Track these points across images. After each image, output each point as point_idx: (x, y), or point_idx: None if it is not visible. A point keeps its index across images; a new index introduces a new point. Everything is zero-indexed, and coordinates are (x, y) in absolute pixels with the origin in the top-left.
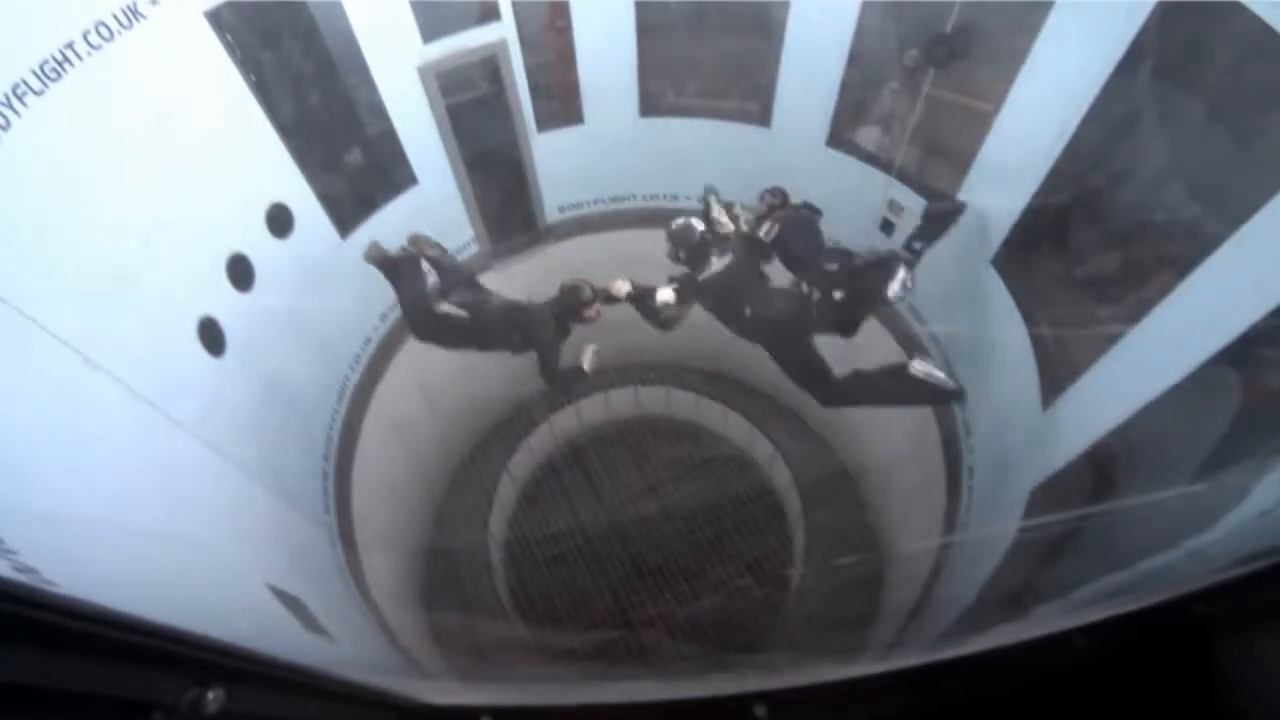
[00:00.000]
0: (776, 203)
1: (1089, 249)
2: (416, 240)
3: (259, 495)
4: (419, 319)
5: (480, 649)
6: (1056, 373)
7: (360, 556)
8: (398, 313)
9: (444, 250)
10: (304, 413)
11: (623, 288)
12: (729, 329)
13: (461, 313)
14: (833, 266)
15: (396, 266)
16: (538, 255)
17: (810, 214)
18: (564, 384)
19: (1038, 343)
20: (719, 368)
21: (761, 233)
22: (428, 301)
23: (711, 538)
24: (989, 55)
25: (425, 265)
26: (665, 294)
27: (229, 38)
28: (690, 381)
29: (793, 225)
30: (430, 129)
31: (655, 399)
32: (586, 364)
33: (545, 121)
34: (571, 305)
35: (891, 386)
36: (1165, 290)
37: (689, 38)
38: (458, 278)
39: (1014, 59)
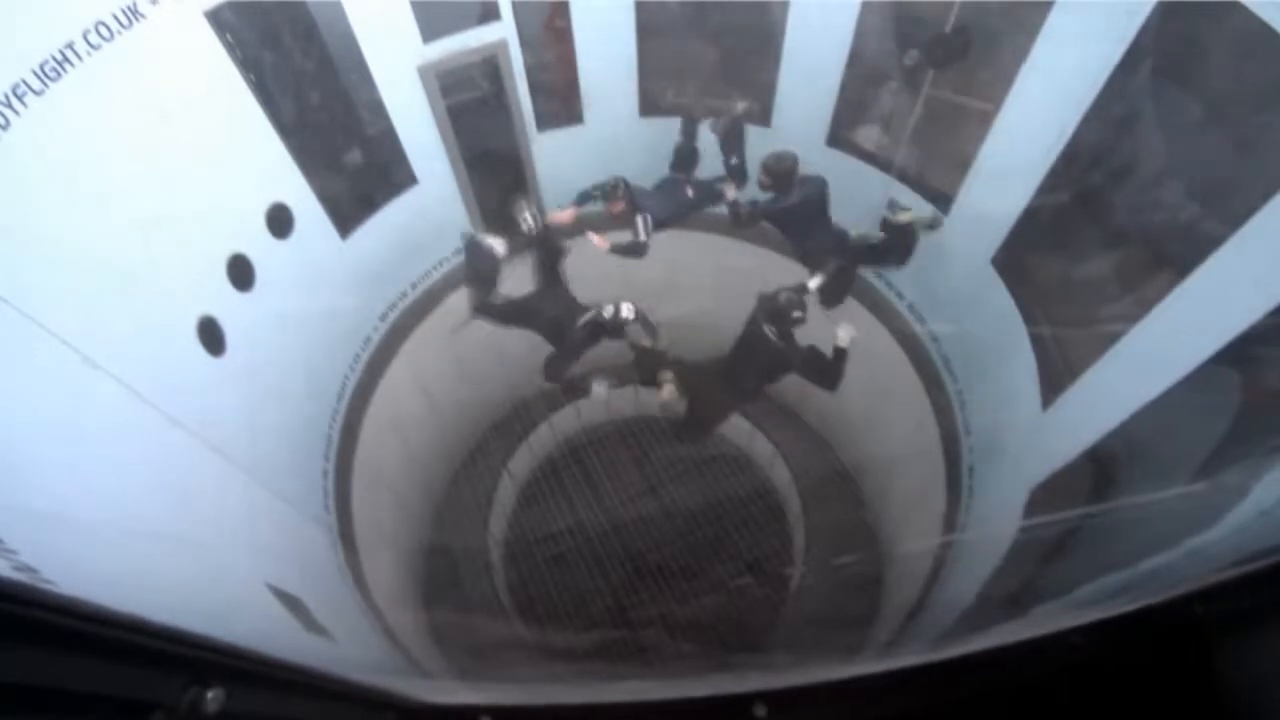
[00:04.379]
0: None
1: (1089, 249)
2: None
3: (259, 495)
4: (478, 292)
5: (480, 649)
6: (1056, 373)
7: (360, 556)
8: (398, 312)
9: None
10: (304, 413)
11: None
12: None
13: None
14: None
15: (473, 248)
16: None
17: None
18: (559, 380)
19: (1038, 343)
20: None
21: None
22: (491, 276)
23: (711, 537)
24: (989, 55)
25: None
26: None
27: (229, 38)
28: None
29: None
30: (430, 129)
31: (655, 399)
32: (598, 387)
33: (545, 121)
34: (610, 328)
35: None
36: (1165, 290)
37: (689, 38)
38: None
39: (1014, 59)
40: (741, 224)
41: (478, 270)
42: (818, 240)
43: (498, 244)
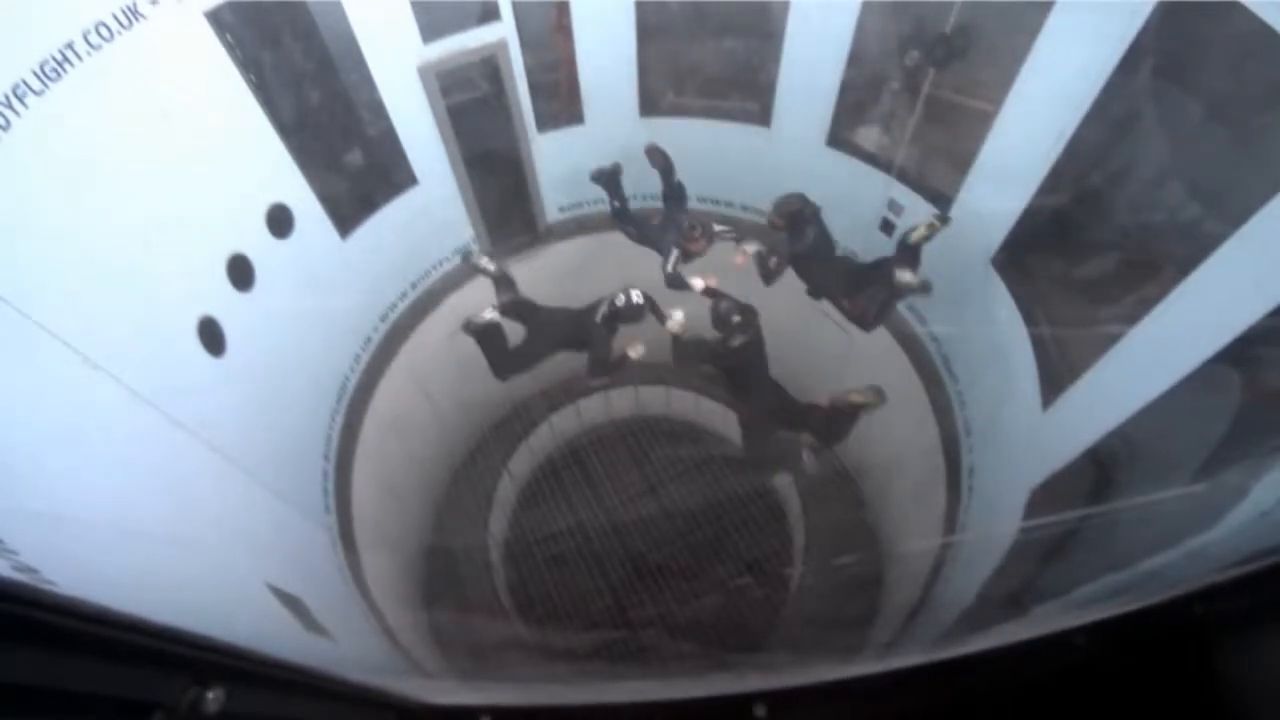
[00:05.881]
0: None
1: (1089, 249)
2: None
3: (259, 495)
4: (501, 364)
5: (480, 649)
6: (1056, 373)
7: (360, 556)
8: (398, 313)
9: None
10: (304, 413)
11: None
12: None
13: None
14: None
15: (485, 332)
16: (538, 255)
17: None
18: (608, 373)
19: (1038, 343)
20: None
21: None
22: (504, 344)
23: (711, 538)
24: (989, 55)
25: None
26: (677, 318)
27: (229, 38)
28: (690, 381)
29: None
30: (430, 129)
31: (655, 399)
32: (634, 353)
33: (545, 121)
34: (625, 315)
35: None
36: (1165, 290)
37: (689, 38)
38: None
39: (1014, 59)
40: (771, 277)
41: (491, 349)
42: (830, 272)
43: (489, 312)
